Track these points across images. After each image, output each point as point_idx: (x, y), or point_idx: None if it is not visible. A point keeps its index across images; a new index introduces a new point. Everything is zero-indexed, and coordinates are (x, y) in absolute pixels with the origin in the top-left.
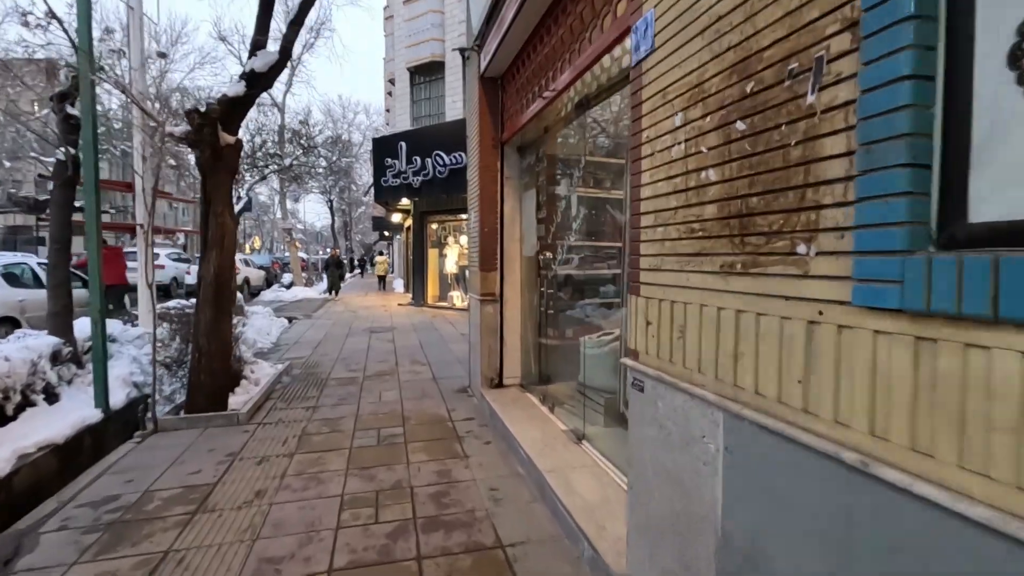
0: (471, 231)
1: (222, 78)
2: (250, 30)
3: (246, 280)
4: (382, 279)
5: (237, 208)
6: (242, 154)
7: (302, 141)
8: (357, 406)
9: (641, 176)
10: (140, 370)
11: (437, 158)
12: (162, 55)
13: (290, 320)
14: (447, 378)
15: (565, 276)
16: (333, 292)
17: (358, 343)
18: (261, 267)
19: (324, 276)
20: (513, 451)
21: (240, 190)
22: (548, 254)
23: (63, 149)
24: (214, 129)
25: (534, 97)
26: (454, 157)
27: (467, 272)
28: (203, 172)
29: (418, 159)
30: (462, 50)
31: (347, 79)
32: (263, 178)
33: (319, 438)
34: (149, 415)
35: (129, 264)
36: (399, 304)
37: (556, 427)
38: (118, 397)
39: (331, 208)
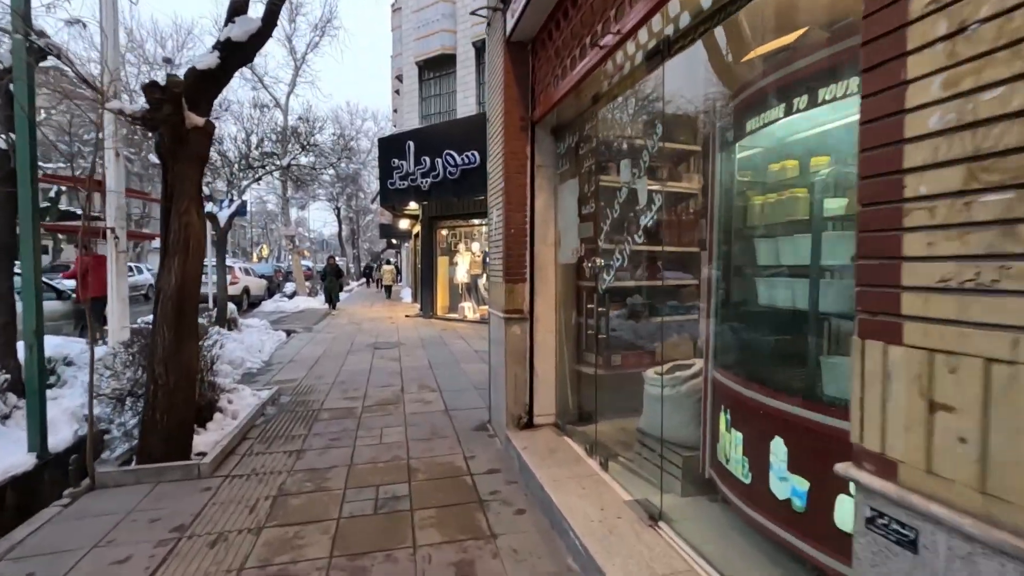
0: (492, 233)
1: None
2: None
3: (246, 290)
4: (388, 288)
5: (228, 210)
6: (237, 154)
7: (301, 139)
8: (352, 450)
9: (907, 91)
10: (98, 401)
11: (448, 158)
12: (168, 60)
13: (288, 333)
14: (462, 410)
15: (617, 288)
16: (331, 305)
17: (359, 362)
18: (263, 276)
19: (321, 286)
20: (560, 532)
21: (233, 192)
22: (597, 261)
23: (2, 136)
24: (177, 107)
25: (583, 53)
26: (466, 156)
27: (480, 282)
28: (163, 160)
29: (427, 159)
30: (483, 9)
31: (354, 83)
32: (258, 179)
33: (299, 501)
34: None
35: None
36: (406, 315)
37: (616, 495)
38: (63, 436)
39: (338, 216)
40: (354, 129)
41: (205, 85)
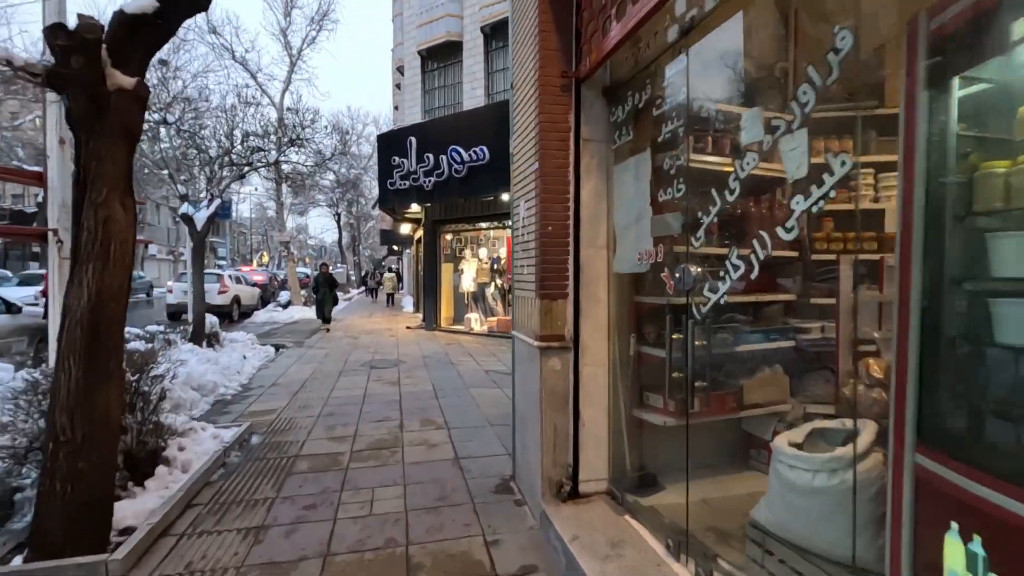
0: (519, 233)
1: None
2: (245, 20)
3: (236, 299)
4: (390, 296)
5: (206, 212)
6: (218, 150)
7: (290, 133)
8: (331, 527)
9: None
10: (12, 443)
11: (453, 154)
12: (163, 62)
13: (277, 349)
14: (476, 459)
15: (719, 307)
16: (324, 321)
17: (352, 386)
18: (255, 284)
19: (314, 297)
20: None
21: (213, 190)
22: (692, 269)
23: None
24: (92, 61)
25: None
26: (474, 153)
27: (488, 292)
28: (74, 133)
29: (430, 157)
30: None
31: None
32: (241, 176)
33: None
34: None
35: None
36: (407, 327)
37: None
38: None
39: (338, 222)
40: (355, 134)
41: (137, 35)
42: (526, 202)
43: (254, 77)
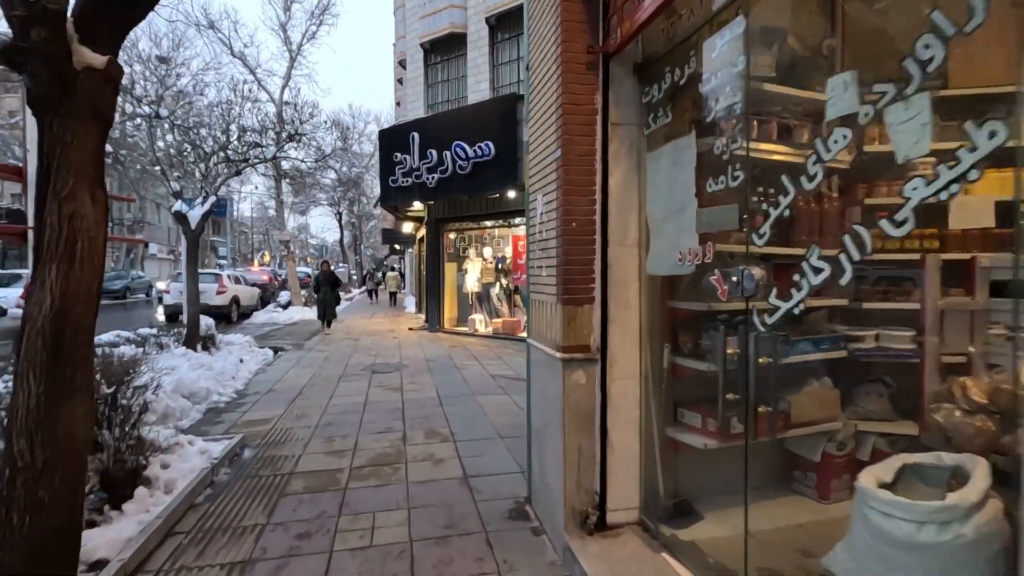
0: (536, 231)
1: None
2: (244, 15)
3: (235, 300)
4: (393, 295)
5: (200, 209)
6: (213, 146)
7: (287, 128)
8: (327, 562)
9: None
10: None
11: (457, 150)
12: (163, 60)
13: (276, 351)
14: (487, 477)
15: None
16: (325, 323)
17: (353, 393)
18: (255, 284)
19: (315, 298)
20: None
21: (208, 188)
22: (753, 273)
23: None
24: (57, 34)
25: None
26: (479, 148)
27: (492, 292)
28: (38, 116)
29: (434, 153)
30: None
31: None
32: (238, 173)
33: None
34: None
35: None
36: (410, 328)
37: None
38: None
39: (339, 221)
40: (356, 132)
41: (109, 10)
42: (545, 195)
43: (253, 73)
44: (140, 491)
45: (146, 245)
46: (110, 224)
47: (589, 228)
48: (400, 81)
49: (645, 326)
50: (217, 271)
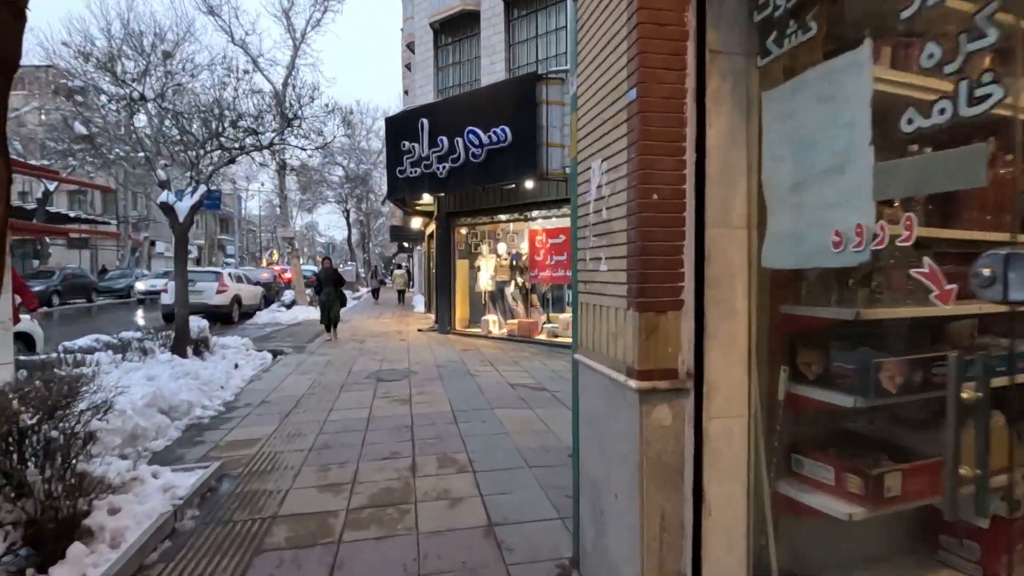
0: (590, 210)
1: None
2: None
3: (236, 299)
4: (401, 293)
5: (189, 201)
6: (203, 131)
7: (286, 110)
8: None
9: None
10: None
11: (470, 137)
12: (167, 55)
13: (275, 355)
14: (519, 525)
15: None
16: (329, 328)
17: (355, 405)
18: (258, 283)
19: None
20: None
21: (199, 176)
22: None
23: None
24: None
25: None
26: (494, 134)
27: (507, 291)
28: None
29: (444, 140)
30: None
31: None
32: (231, 161)
33: None
34: None
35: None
36: (419, 330)
37: None
38: None
39: (347, 218)
40: (364, 129)
41: None
42: (606, 160)
43: (255, 62)
44: (75, 548)
45: (152, 243)
46: (115, 221)
47: (676, 202)
48: (408, 67)
49: (757, 342)
50: (217, 269)
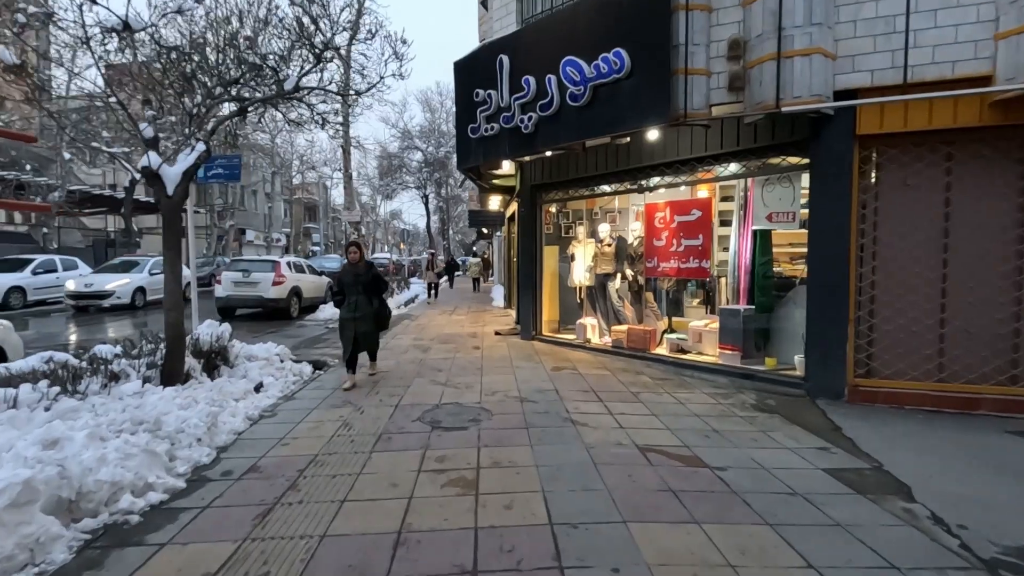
0: None
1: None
2: None
3: (295, 292)
4: (476, 281)
5: (182, 164)
6: (200, 64)
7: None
8: None
9: None
10: None
11: (568, 71)
12: (250, 40)
13: (316, 368)
14: None
15: None
16: (353, 366)
17: (383, 494)
18: (322, 273)
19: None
20: None
21: (195, 131)
22: None
23: None
24: None
25: None
26: (604, 63)
27: (611, 287)
28: None
29: (531, 81)
30: None
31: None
32: (243, 111)
33: None
34: None
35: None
36: (497, 332)
37: None
38: None
39: (426, 204)
40: (444, 111)
41: None
42: None
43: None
44: None
45: (243, 232)
46: (203, 210)
47: None
48: (484, 2)
49: None
50: (275, 258)
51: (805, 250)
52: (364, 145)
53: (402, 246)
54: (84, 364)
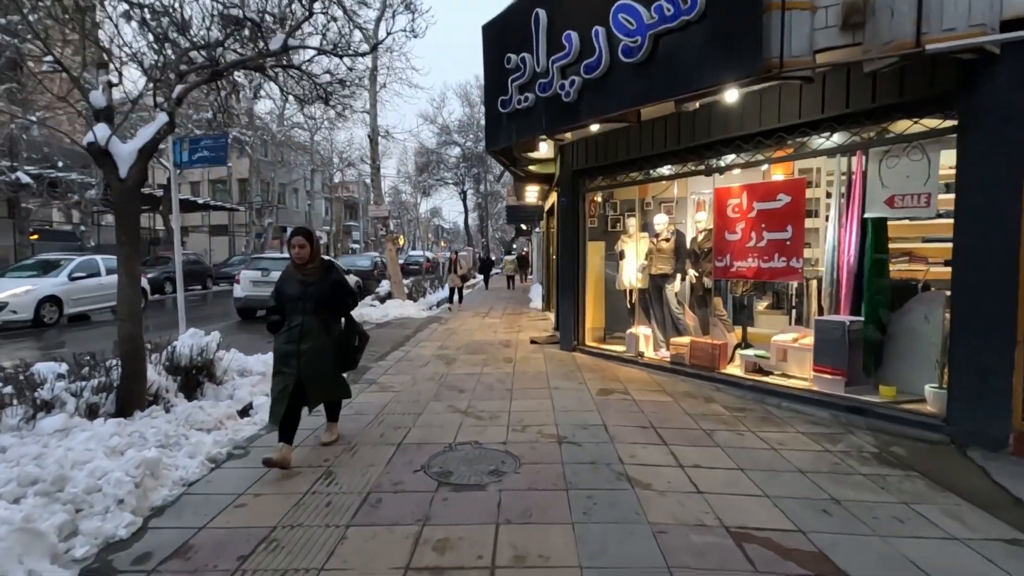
0: None
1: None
2: None
3: None
4: (511, 279)
5: (137, 141)
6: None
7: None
8: None
9: None
10: None
11: (620, 18)
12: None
13: None
14: None
15: None
16: (330, 415)
17: None
18: (349, 271)
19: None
20: None
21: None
22: None
23: None
24: None
25: None
26: (668, 4)
27: (668, 289)
28: None
29: (573, 37)
30: None
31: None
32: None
33: None
34: None
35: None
36: (532, 340)
37: None
38: None
39: (464, 200)
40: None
41: None
42: None
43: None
44: None
45: (283, 229)
46: (244, 208)
47: None
48: None
49: None
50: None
51: (938, 245)
52: (393, 135)
53: (443, 244)
54: (6, 389)
